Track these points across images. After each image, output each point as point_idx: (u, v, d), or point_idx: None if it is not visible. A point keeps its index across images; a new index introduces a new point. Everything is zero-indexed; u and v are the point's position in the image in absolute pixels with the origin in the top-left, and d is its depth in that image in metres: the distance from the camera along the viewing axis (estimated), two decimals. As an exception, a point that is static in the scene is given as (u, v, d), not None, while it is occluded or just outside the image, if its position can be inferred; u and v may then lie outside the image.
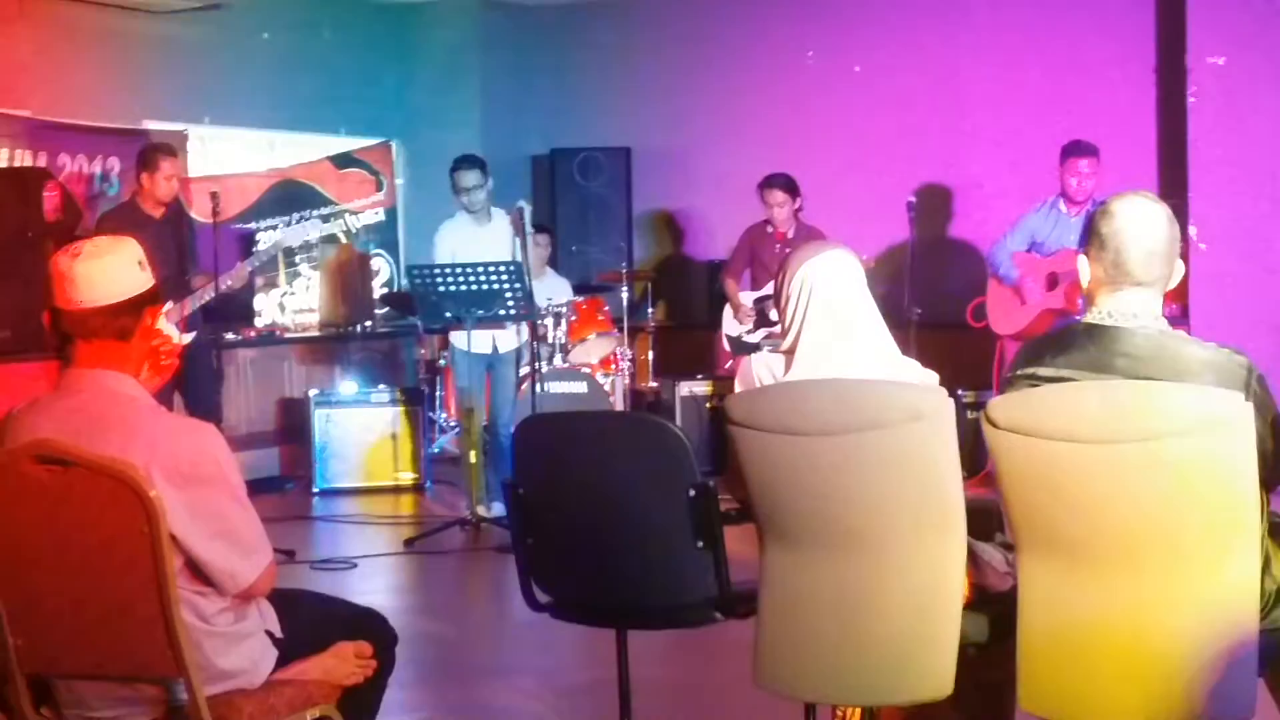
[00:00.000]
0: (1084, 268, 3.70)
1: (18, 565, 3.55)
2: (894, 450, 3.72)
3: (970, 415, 5.02)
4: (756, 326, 9.86)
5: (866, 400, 3.84)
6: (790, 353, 4.34)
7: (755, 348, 9.43)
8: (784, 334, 4.39)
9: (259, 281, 11.22)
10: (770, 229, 9.97)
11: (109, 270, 3.54)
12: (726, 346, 10.24)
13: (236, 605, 3.61)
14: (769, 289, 9.75)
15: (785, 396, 4.05)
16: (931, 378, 4.23)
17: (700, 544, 4.10)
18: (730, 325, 10.14)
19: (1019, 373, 3.72)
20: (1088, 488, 3.47)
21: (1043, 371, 3.66)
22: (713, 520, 4.09)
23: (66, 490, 3.43)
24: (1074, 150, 9.05)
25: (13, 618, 3.57)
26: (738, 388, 4.38)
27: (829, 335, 4.28)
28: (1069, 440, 3.44)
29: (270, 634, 3.71)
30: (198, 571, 3.52)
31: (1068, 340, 3.68)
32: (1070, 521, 3.52)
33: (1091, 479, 3.46)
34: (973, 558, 3.84)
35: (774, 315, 9.44)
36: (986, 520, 3.94)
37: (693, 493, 4.08)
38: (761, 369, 4.36)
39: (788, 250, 9.57)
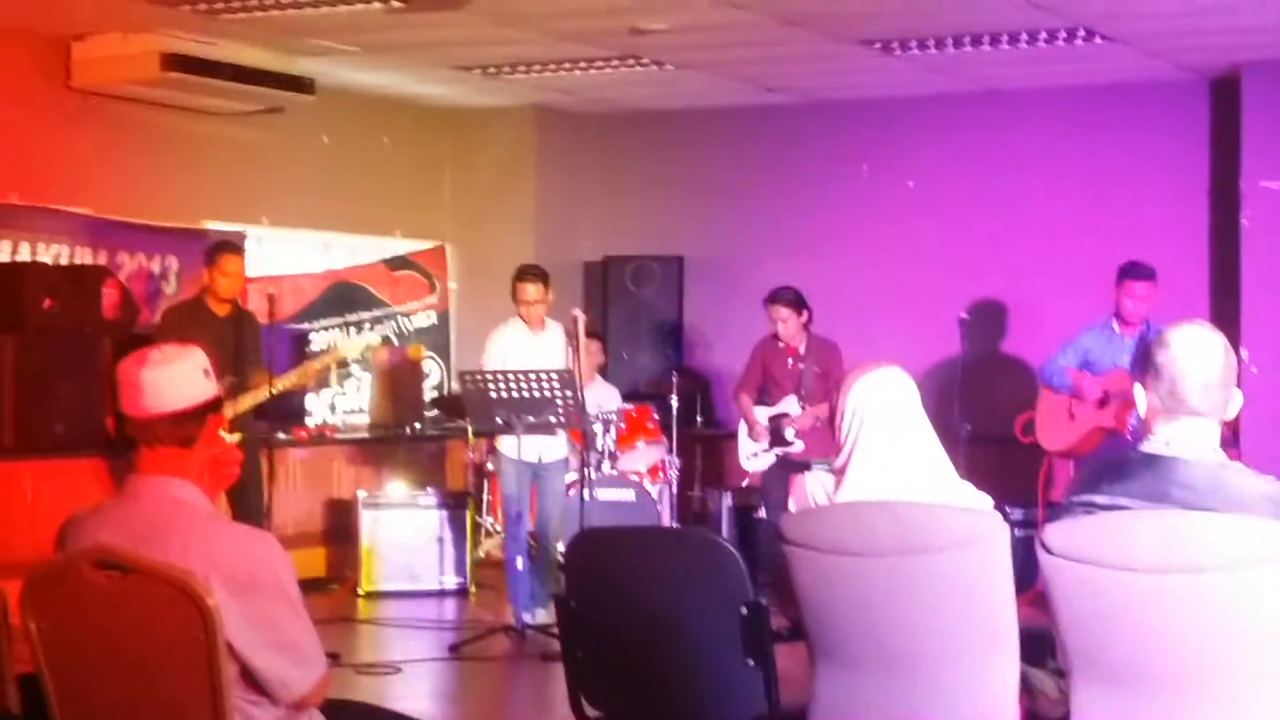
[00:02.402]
0: (1140, 396, 3.70)
1: (75, 669, 3.56)
2: (947, 574, 3.72)
3: (1018, 533, 4.98)
4: (772, 445, 9.75)
5: (920, 523, 3.85)
6: (842, 472, 4.34)
7: (794, 465, 9.39)
8: (837, 452, 4.39)
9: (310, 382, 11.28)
10: (780, 344, 9.87)
11: (175, 378, 3.57)
12: (744, 464, 10.07)
13: (289, 715, 3.61)
14: (784, 405, 9.72)
15: (838, 516, 4.06)
16: (986, 501, 4.22)
17: (751, 662, 4.10)
18: (746, 443, 9.99)
19: (1075, 499, 3.72)
20: (1141, 617, 3.46)
21: (1099, 499, 3.65)
22: (764, 638, 4.09)
23: (125, 596, 3.45)
24: (1131, 272, 9.03)
25: (67, 721, 3.59)
26: (791, 506, 4.38)
27: (882, 455, 4.27)
28: (1123, 569, 3.44)
29: (320, 744, 3.71)
30: (252, 680, 3.53)
31: (1125, 469, 3.68)
32: (1123, 650, 3.51)
33: (1145, 608, 3.44)
34: (1025, 684, 3.83)
35: (789, 433, 9.46)
36: (1039, 646, 3.92)
37: (745, 610, 4.09)
38: (815, 487, 4.37)
39: (800, 366, 9.61)
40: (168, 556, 3.44)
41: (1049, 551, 3.51)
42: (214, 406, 3.63)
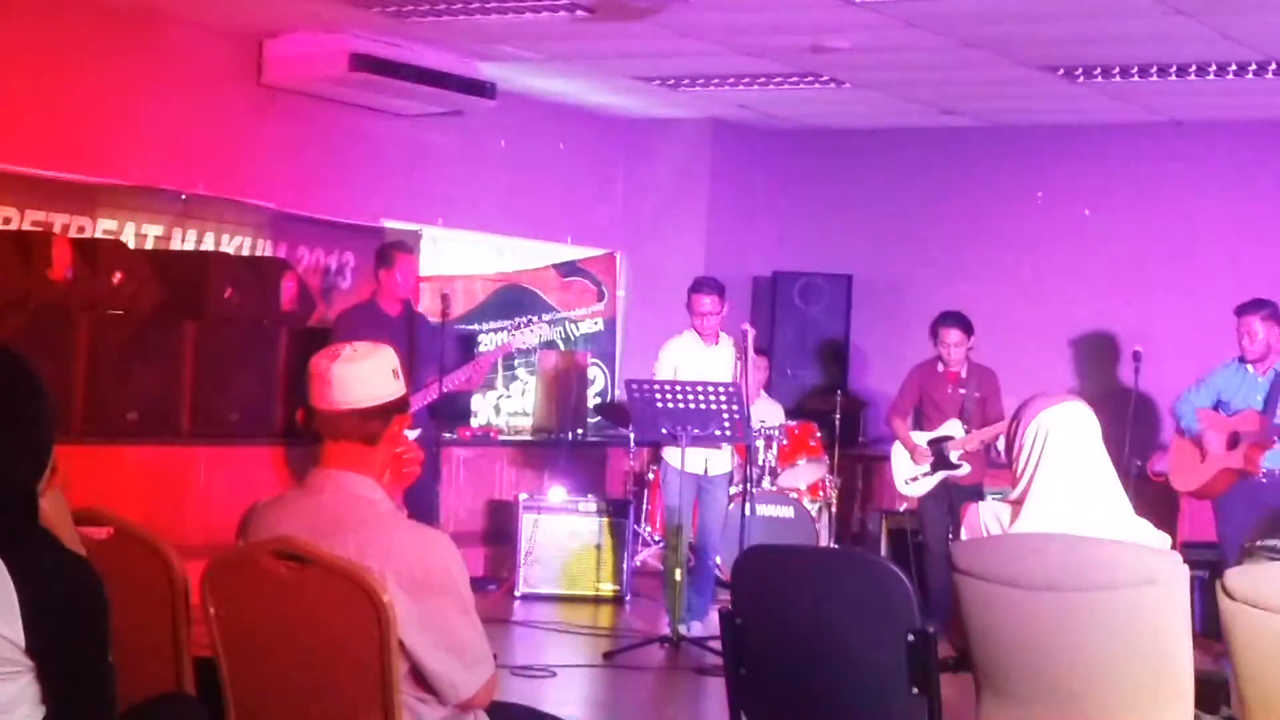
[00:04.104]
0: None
1: (248, 656, 3.63)
2: (1123, 614, 3.67)
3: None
4: (935, 468, 9.58)
5: (1097, 559, 3.79)
6: (1019, 503, 4.27)
7: (956, 490, 9.27)
8: (1014, 483, 4.33)
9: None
10: (941, 368, 9.66)
11: (364, 375, 3.62)
12: (902, 489, 9.86)
13: (455, 715, 3.65)
14: (946, 429, 9.54)
15: (1012, 548, 4.01)
16: (1164, 540, 4.14)
17: (916, 690, 4.06)
18: (904, 467, 9.70)
19: (1258, 544, 3.66)
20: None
21: (1284, 545, 3.59)
22: (930, 667, 4.05)
23: (302, 587, 3.51)
24: (1243, 309, 8.89)
25: (239, 708, 3.65)
26: (964, 535, 4.33)
27: (1060, 487, 4.19)
28: (1309, 618, 3.37)
29: (485, 744, 3.74)
30: (420, 678, 3.56)
31: (1312, 515, 3.61)
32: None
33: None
34: (1197, 731, 3.76)
35: (954, 456, 9.30)
36: (1214, 693, 3.85)
37: (912, 638, 4.05)
38: (989, 517, 4.30)
39: (961, 391, 9.49)
40: (346, 551, 3.49)
41: (1230, 596, 3.45)
42: (400, 406, 3.67)
